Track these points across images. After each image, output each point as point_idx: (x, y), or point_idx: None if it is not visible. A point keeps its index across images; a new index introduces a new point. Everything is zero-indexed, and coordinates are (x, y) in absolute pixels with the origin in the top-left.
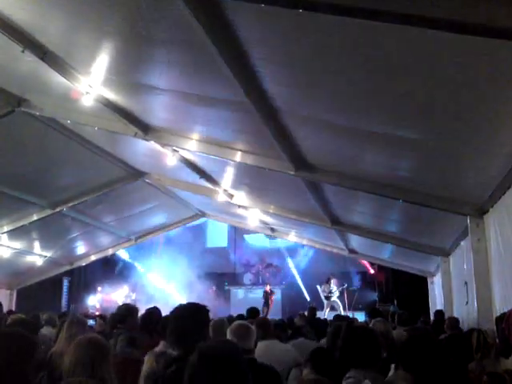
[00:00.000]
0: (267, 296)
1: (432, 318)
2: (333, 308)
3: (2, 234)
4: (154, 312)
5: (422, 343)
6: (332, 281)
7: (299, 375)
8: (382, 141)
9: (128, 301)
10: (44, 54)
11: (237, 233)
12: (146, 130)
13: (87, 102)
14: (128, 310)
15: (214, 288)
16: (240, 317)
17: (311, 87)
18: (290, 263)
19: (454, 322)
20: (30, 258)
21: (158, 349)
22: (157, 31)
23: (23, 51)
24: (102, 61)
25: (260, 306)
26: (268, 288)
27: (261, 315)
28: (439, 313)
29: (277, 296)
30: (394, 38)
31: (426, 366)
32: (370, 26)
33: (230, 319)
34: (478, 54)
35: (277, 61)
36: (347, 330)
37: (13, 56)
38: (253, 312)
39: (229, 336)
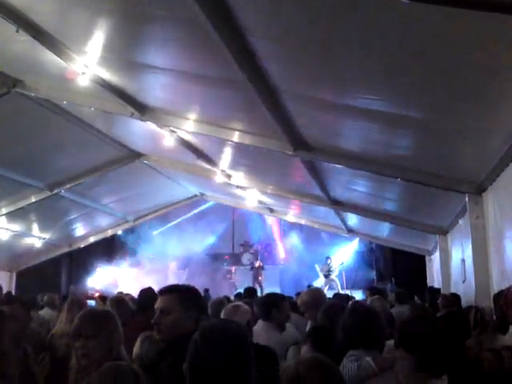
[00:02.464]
0: (256, 272)
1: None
2: (331, 287)
3: (1, 216)
4: (147, 292)
5: (425, 323)
6: (331, 259)
7: (297, 353)
8: (379, 119)
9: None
10: (38, 33)
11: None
12: (142, 110)
13: (83, 82)
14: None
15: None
16: (238, 295)
17: (309, 65)
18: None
19: (448, 299)
20: (28, 240)
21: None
22: (153, 8)
23: (17, 31)
24: (98, 40)
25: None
26: (258, 264)
27: None
28: (433, 290)
29: (275, 275)
30: (393, 14)
31: (429, 347)
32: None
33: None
34: (479, 31)
35: (275, 38)
36: (351, 310)
37: (7, 36)
38: (250, 292)
39: (222, 316)
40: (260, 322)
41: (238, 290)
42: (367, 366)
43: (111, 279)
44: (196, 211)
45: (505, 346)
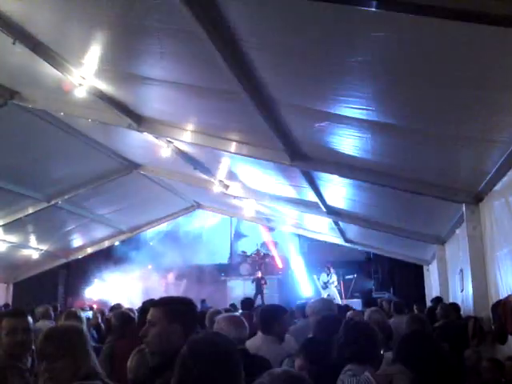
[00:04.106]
0: (259, 283)
1: (428, 305)
2: (329, 297)
3: None
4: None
5: (423, 340)
6: (331, 270)
7: (292, 366)
8: (376, 129)
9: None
10: (35, 45)
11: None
12: (139, 121)
13: (80, 93)
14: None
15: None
16: (232, 306)
17: (306, 76)
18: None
19: (447, 309)
20: (25, 252)
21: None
22: (149, 21)
23: (14, 43)
24: (95, 51)
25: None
26: (260, 274)
27: (256, 305)
28: (436, 300)
29: (273, 286)
30: (389, 25)
31: (427, 364)
32: (367, 13)
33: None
34: (476, 40)
35: (271, 50)
36: (346, 325)
37: (3, 48)
38: (247, 303)
39: (223, 325)
40: (260, 335)
41: (232, 302)
42: (366, 381)
43: (108, 290)
44: (193, 221)
45: (509, 356)
